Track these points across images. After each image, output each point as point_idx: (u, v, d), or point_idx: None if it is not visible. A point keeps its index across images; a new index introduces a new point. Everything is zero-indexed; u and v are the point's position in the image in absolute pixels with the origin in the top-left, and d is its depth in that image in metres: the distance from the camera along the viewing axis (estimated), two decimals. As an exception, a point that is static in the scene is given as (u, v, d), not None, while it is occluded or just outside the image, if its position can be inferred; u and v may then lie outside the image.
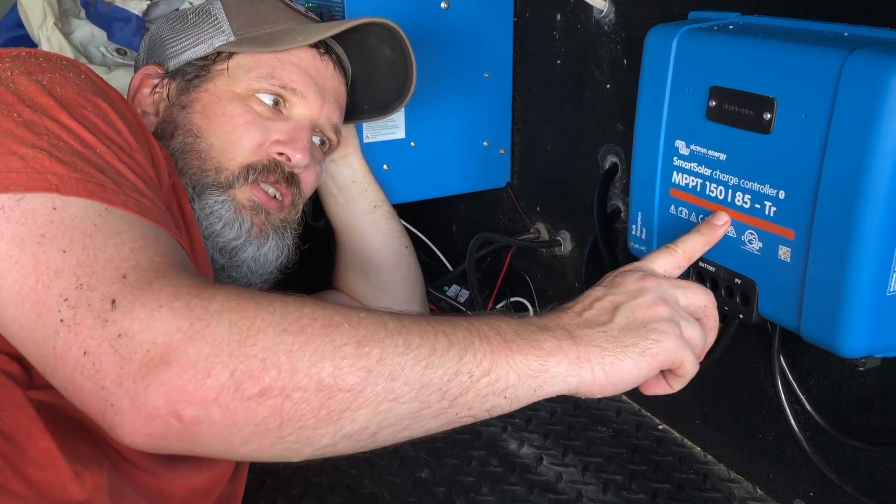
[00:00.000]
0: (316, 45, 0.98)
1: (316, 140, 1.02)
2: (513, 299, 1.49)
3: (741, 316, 0.85)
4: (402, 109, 1.24)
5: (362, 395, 0.58)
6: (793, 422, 0.95)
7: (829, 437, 0.93)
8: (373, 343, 0.60)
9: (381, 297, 1.23)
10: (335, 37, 1.01)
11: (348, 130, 1.15)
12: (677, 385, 0.75)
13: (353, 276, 1.24)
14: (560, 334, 0.68)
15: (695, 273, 0.89)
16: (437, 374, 0.61)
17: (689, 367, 0.72)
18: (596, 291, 0.74)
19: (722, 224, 0.82)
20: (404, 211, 1.44)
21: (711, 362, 0.98)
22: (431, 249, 1.59)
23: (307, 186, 1.00)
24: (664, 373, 0.74)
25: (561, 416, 1.21)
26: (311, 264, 1.26)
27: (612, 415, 1.23)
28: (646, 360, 0.69)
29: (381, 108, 1.11)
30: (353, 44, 1.04)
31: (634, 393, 1.25)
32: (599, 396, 0.69)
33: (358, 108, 1.11)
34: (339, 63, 1.02)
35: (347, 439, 0.59)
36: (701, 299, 0.76)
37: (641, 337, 0.69)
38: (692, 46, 0.86)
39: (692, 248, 0.81)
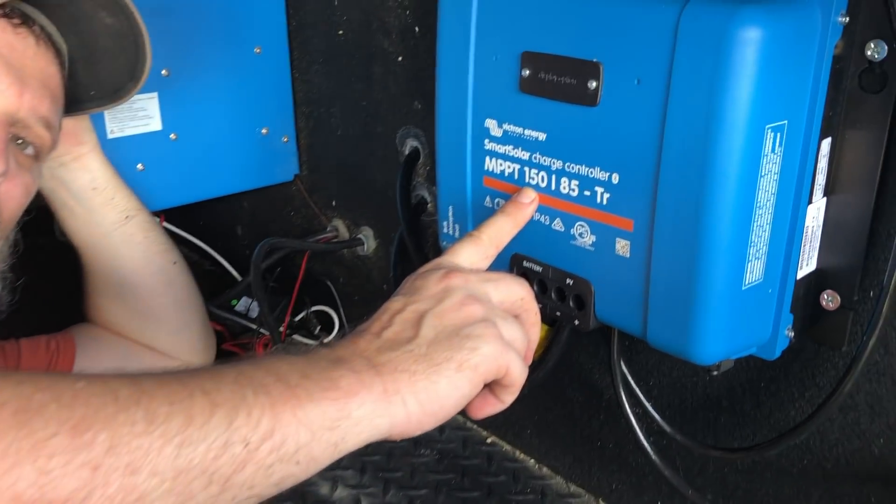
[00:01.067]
0: (6, 14, 0.73)
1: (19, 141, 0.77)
2: (314, 308, 1.30)
3: (576, 322, 0.72)
4: (152, 94, 1.02)
5: (88, 502, 0.43)
6: (635, 426, 0.84)
7: (675, 441, 0.83)
8: (98, 425, 0.45)
9: (147, 327, 1.01)
10: (33, 3, 0.77)
11: (79, 125, 0.91)
12: (508, 397, 0.63)
13: (109, 304, 1.01)
14: (359, 365, 0.55)
15: (518, 274, 0.75)
16: (199, 453, 0.47)
17: (517, 373, 0.60)
18: (395, 303, 0.61)
19: (530, 202, 0.71)
20: (173, 216, 1.21)
21: (544, 374, 0.85)
22: (214, 257, 1.38)
23: (11, 204, 0.76)
24: (491, 386, 0.61)
25: (378, 443, 1.05)
26: (65, 290, 1.02)
27: (434, 433, 1.08)
28: (465, 375, 0.56)
29: (112, 94, 0.87)
30: (62, 12, 0.80)
31: (458, 406, 1.10)
32: (419, 433, 0.56)
33: (82, 94, 0.86)
34: (44, 37, 0.77)
35: None
36: (516, 291, 0.64)
37: (455, 348, 0.57)
38: (497, 4, 0.71)
39: (498, 232, 0.68)
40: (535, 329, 0.65)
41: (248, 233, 1.42)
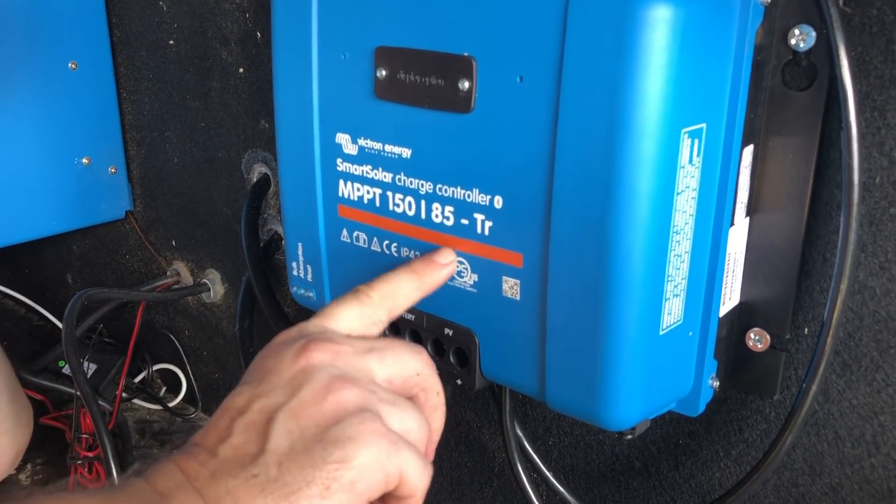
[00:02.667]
0: None
1: None
2: (157, 367, 1.11)
3: (459, 381, 0.58)
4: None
5: None
6: (532, 496, 0.70)
7: (581, 510, 0.70)
8: None
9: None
10: None
11: None
12: None
13: None
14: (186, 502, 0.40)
15: (387, 325, 0.60)
16: None
17: (416, 478, 0.44)
18: (237, 398, 0.44)
19: (446, 264, 0.55)
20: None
21: (424, 442, 0.70)
22: (41, 312, 1.18)
23: None
24: (384, 499, 0.45)
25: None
26: None
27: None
28: (336, 499, 0.41)
29: None
30: None
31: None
32: None
33: None
34: None
35: None
36: (409, 363, 0.47)
37: (318, 463, 0.41)
38: (342, -10, 0.57)
39: (394, 292, 0.51)
40: (438, 413, 0.50)
41: (80, 280, 1.22)
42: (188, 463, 0.42)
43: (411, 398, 0.48)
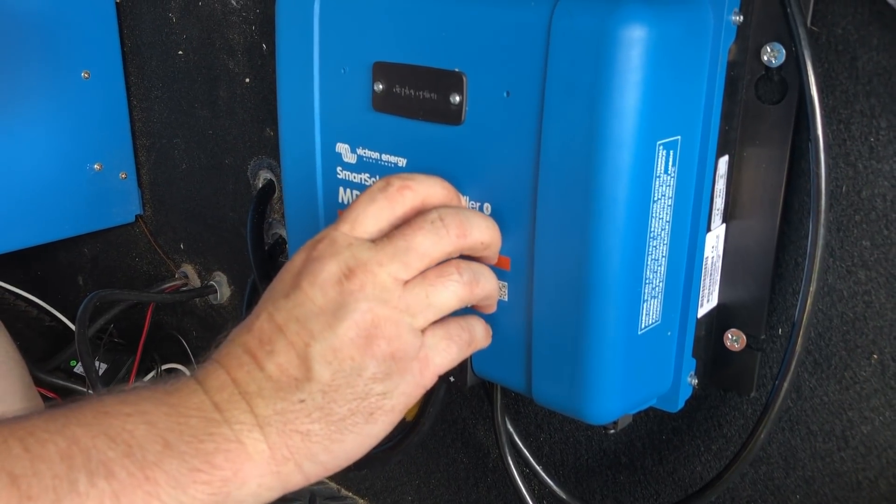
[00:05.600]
0: None
1: None
2: (165, 367, 1.15)
3: (451, 378, 0.61)
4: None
5: None
6: (523, 491, 0.73)
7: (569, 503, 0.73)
8: None
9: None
10: None
11: None
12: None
13: None
14: (239, 424, 0.42)
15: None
16: None
17: (481, 342, 0.52)
18: (275, 314, 0.45)
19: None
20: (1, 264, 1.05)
21: (419, 437, 0.73)
22: (53, 313, 1.21)
23: None
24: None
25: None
26: None
27: (304, 505, 0.95)
28: (378, 422, 0.45)
29: None
30: None
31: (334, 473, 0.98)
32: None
33: None
34: None
35: None
36: (436, 253, 0.47)
37: (361, 395, 0.44)
38: (343, 8, 0.60)
39: (431, 187, 0.50)
40: (484, 272, 0.50)
41: (91, 282, 1.26)
42: (237, 372, 0.43)
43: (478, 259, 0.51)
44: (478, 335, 0.52)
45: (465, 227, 0.48)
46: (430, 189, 0.49)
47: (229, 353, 0.45)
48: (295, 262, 0.47)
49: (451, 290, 0.47)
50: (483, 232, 0.49)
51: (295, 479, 0.44)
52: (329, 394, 0.43)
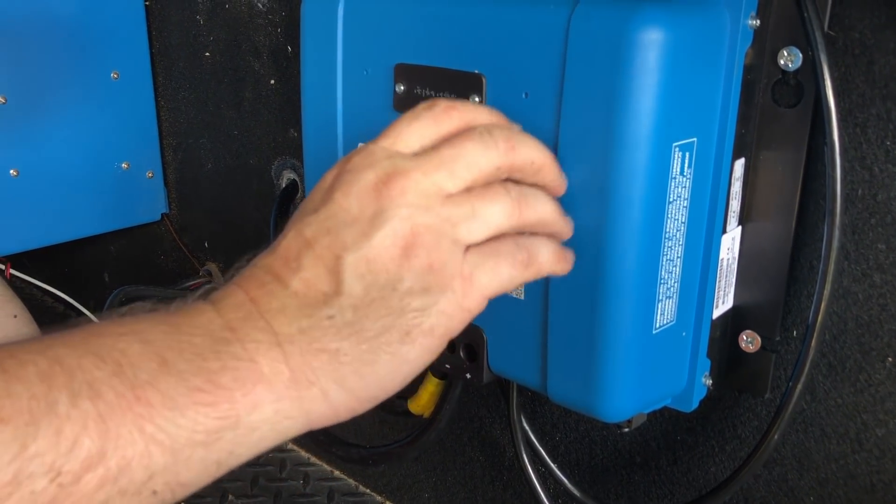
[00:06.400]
0: None
1: None
2: (187, 362, 1.17)
3: (468, 376, 0.62)
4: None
5: None
6: (539, 490, 0.74)
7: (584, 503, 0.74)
8: None
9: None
10: None
11: None
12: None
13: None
14: (255, 343, 0.38)
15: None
16: None
17: (546, 265, 0.45)
18: (304, 229, 0.41)
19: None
20: (25, 262, 1.07)
21: (436, 433, 0.74)
22: (79, 308, 1.24)
23: None
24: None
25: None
26: None
27: (322, 501, 0.96)
28: (417, 345, 0.40)
29: None
30: None
31: (352, 470, 0.99)
32: (349, 418, 0.40)
33: None
34: None
35: None
36: (484, 164, 0.42)
37: (396, 311, 0.39)
38: (366, 11, 0.61)
39: (475, 113, 0.45)
40: (541, 179, 0.46)
41: (117, 279, 1.28)
42: (257, 292, 0.39)
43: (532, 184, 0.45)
44: (541, 256, 0.45)
45: (514, 141, 0.44)
46: (477, 111, 0.45)
47: (251, 276, 0.40)
48: (326, 178, 0.43)
49: (499, 206, 0.42)
50: (533, 150, 0.45)
51: (320, 410, 0.38)
52: (361, 309, 0.38)
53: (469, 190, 0.42)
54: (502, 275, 0.42)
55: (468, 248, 0.41)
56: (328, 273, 0.39)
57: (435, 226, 0.40)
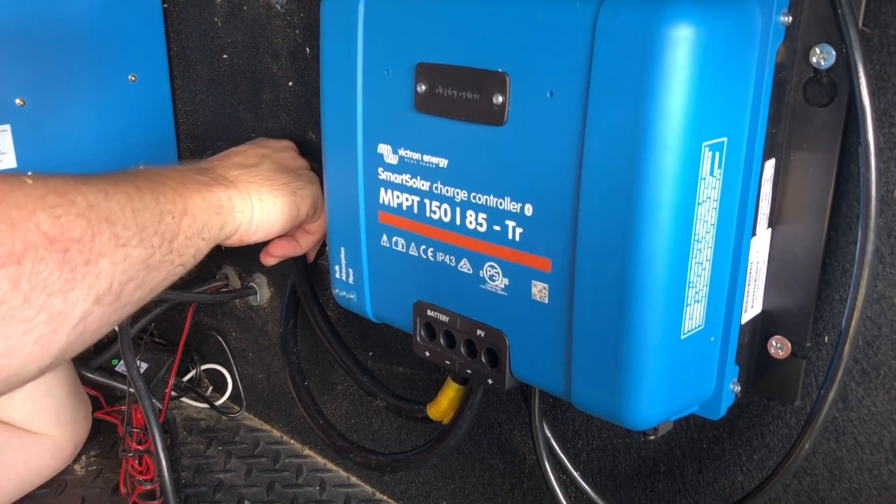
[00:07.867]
0: None
1: None
2: (204, 367, 1.16)
3: (490, 381, 0.61)
4: (4, 127, 0.89)
5: (95, 243, 0.52)
6: (561, 497, 0.72)
7: (608, 511, 0.72)
8: (71, 192, 0.52)
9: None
10: None
11: None
12: (306, 243, 0.81)
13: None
14: (215, 175, 0.69)
15: (422, 326, 0.64)
16: (147, 217, 0.57)
17: (320, 223, 0.80)
18: (238, 147, 0.80)
19: None
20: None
21: (456, 440, 0.73)
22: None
23: None
24: (295, 232, 0.80)
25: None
26: None
27: (341, 502, 0.95)
28: (297, 200, 0.74)
29: None
30: None
31: (369, 476, 0.98)
32: (254, 241, 0.72)
33: None
34: None
35: (97, 305, 0.53)
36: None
37: (290, 180, 0.75)
38: (387, 9, 0.61)
39: None
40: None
41: (133, 283, 1.27)
42: (212, 160, 0.75)
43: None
44: None
45: None
46: None
47: (200, 161, 0.75)
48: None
49: None
50: None
51: (248, 213, 0.70)
52: (272, 175, 0.74)
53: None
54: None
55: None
56: (254, 158, 0.78)
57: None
